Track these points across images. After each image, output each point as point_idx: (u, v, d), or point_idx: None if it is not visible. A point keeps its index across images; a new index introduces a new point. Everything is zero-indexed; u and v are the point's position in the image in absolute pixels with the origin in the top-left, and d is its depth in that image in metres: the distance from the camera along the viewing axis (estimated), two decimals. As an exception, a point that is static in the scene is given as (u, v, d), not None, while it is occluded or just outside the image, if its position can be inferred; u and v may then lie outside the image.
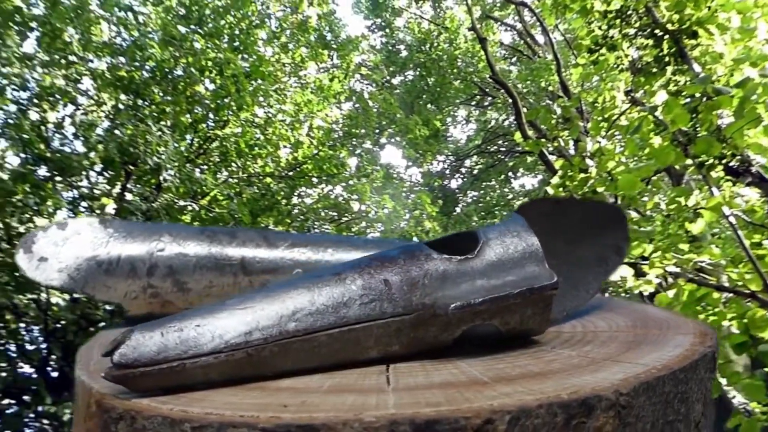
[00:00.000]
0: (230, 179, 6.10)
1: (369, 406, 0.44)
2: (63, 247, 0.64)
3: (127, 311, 0.67)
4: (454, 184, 12.47)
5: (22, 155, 4.76)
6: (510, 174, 11.90)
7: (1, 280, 4.35)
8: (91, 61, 5.48)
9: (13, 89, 5.04)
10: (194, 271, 0.70)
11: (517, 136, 6.46)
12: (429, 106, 10.84)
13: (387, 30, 11.70)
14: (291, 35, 7.62)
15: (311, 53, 7.60)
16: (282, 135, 6.47)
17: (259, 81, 6.12)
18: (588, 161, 3.46)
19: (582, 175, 3.41)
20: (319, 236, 0.85)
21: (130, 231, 0.68)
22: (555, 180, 3.66)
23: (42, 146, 4.85)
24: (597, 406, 0.46)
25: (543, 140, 4.71)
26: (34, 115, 5.03)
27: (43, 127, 4.97)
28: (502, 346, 0.63)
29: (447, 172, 12.44)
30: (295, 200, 6.69)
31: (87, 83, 5.48)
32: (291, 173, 6.59)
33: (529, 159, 10.40)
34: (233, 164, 6.25)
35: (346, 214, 6.99)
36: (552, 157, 6.49)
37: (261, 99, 6.38)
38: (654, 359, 0.56)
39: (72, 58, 5.33)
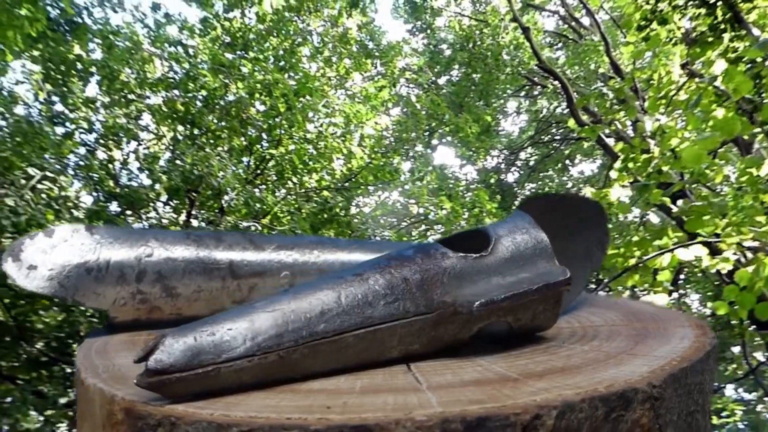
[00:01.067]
0: (289, 196, 6.23)
1: (413, 405, 0.44)
2: (51, 255, 0.62)
3: (114, 318, 0.66)
4: (510, 177, 12.29)
5: (94, 194, 5.01)
6: (567, 162, 11.62)
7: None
8: (148, 98, 5.72)
9: (81, 132, 5.32)
10: (183, 276, 0.69)
11: (571, 122, 6.31)
12: (477, 102, 10.74)
13: (428, 31, 11.68)
14: (333, 48, 7.73)
15: (355, 64, 7.68)
16: (334, 147, 6.56)
17: (308, 97, 6.23)
18: (649, 141, 3.35)
19: (644, 156, 3.30)
20: (303, 238, 0.83)
21: (116, 237, 0.67)
22: (617, 164, 3.55)
23: (111, 183, 5.09)
24: (634, 398, 0.47)
25: (599, 125, 4.58)
26: (101, 155, 5.29)
27: (110, 165, 5.22)
28: (512, 343, 0.64)
29: (502, 166, 12.27)
30: (353, 210, 6.76)
31: (146, 119, 5.72)
32: (347, 184, 6.66)
33: (586, 145, 10.13)
34: (290, 181, 6.38)
35: (405, 219, 7.01)
36: (610, 141, 6.31)
37: (311, 115, 6.49)
38: (669, 352, 0.58)
39: (131, 96, 5.59)
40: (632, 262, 3.14)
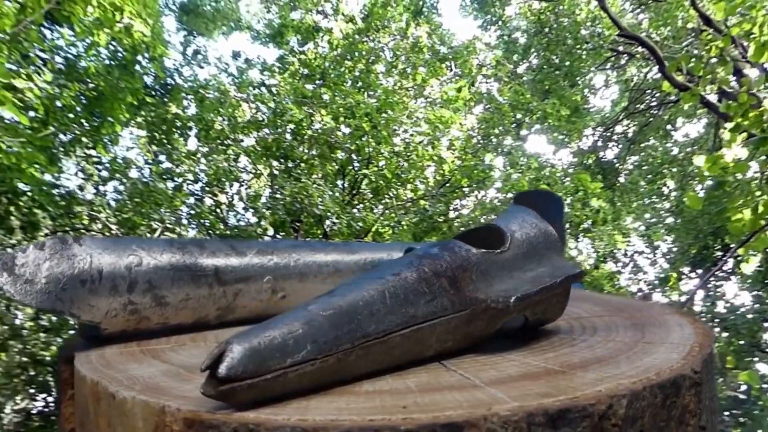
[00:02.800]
0: (387, 211, 6.32)
1: (486, 401, 0.44)
2: (45, 268, 0.61)
3: (104, 330, 0.64)
4: (609, 154, 11.75)
5: (207, 237, 5.34)
6: (668, 127, 10.95)
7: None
8: (242, 140, 6.04)
9: (188, 184, 5.70)
10: (172, 284, 0.68)
11: (666, 86, 5.96)
12: (563, 84, 10.40)
13: (499, 23, 11.49)
14: (407, 60, 7.79)
15: (430, 70, 7.70)
16: (424, 156, 6.59)
17: (390, 112, 6.32)
18: (758, 94, 3.10)
19: (755, 111, 3.06)
20: (280, 242, 0.82)
21: (105, 247, 0.65)
22: (729, 125, 3.30)
23: (222, 226, 5.41)
24: (683, 384, 0.49)
25: (698, 87, 4.29)
26: (209, 201, 5.64)
27: (218, 209, 5.55)
28: (525, 338, 0.65)
29: (599, 144, 11.77)
30: (452, 215, 6.75)
31: (243, 160, 6.03)
32: (441, 189, 6.66)
33: (686, 106, 9.51)
34: (386, 196, 6.47)
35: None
36: (713, 97, 5.89)
37: (396, 128, 6.57)
38: (682, 339, 0.61)
39: (227, 142, 5.93)
40: (762, 223, 2.91)
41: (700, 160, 3.53)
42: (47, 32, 5.57)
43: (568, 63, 10.04)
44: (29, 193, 4.49)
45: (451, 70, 8.67)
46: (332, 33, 7.71)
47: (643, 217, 10.05)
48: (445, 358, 0.59)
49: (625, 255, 8.99)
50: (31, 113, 4.36)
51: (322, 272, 0.82)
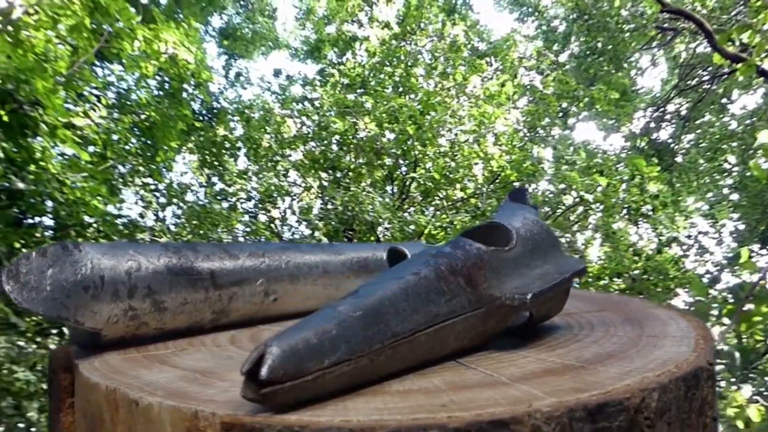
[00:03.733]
0: (438, 212, 6.31)
1: (521, 397, 0.44)
2: (49, 275, 0.60)
3: (105, 336, 0.63)
4: (663, 135, 11.37)
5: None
6: (724, 101, 10.52)
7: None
8: (290, 155, 6.15)
9: (242, 202, 5.85)
10: (170, 289, 0.67)
11: (717, 58, 5.74)
12: (607, 68, 10.15)
13: (536, 14, 11.33)
14: (446, 60, 7.78)
15: (470, 68, 7.66)
16: (471, 154, 6.55)
17: (433, 113, 6.32)
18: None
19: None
20: (270, 244, 0.80)
21: (103, 252, 0.64)
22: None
23: (277, 240, 5.51)
24: (701, 376, 0.51)
25: (752, 57, 4.11)
26: (262, 218, 5.77)
27: (272, 225, 5.66)
28: (526, 335, 0.65)
29: (651, 125, 11.41)
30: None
31: (293, 175, 6.14)
32: (492, 186, 6.60)
33: (741, 78, 9.11)
34: (436, 198, 6.46)
35: (560, 206, 6.77)
36: (769, 65, 5.62)
37: (440, 129, 6.55)
38: (682, 332, 0.62)
39: (275, 158, 6.05)
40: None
41: (765, 136, 3.38)
42: (99, 70, 5.84)
43: (611, 47, 9.79)
44: (95, 225, 4.70)
45: (491, 65, 8.60)
46: (369, 41, 7.78)
47: (705, 197, 9.68)
48: (459, 356, 0.59)
49: (689, 237, 8.67)
50: (91, 148, 4.57)
51: (312, 274, 0.82)
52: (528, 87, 8.89)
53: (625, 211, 6.37)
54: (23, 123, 3.13)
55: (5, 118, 2.99)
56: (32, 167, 3.32)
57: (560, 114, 8.94)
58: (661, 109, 11.22)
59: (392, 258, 0.90)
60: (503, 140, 7.02)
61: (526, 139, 7.38)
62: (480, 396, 0.46)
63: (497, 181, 6.68)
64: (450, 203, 6.43)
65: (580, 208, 6.70)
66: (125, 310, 0.63)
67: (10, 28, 3.12)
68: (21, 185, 3.10)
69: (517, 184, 6.72)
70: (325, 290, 0.83)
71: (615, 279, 6.30)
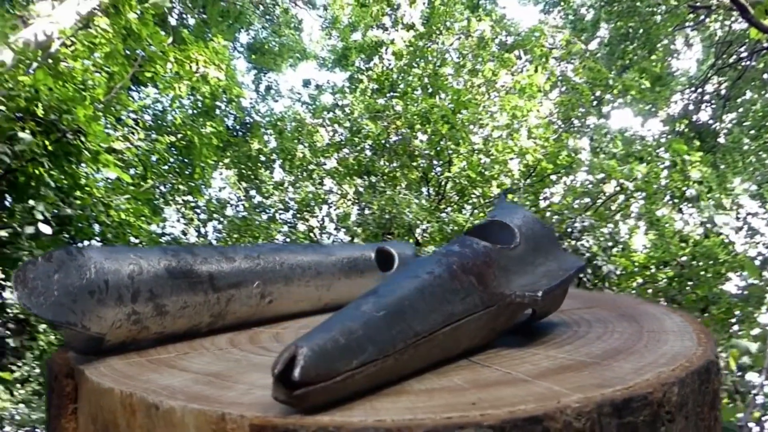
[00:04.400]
0: (475, 210, 6.27)
1: (548, 395, 0.44)
2: (56, 279, 0.59)
3: (108, 341, 0.62)
4: (703, 116, 11.05)
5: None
6: (765, 76, 10.16)
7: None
8: (324, 164, 6.20)
9: (280, 213, 5.92)
10: (171, 292, 0.66)
11: (754, 33, 5.55)
12: (640, 53, 9.93)
13: (561, 3, 11.17)
14: (474, 57, 7.73)
15: (498, 63, 7.60)
16: (505, 149, 6.49)
17: (464, 111, 6.29)
18: None
19: None
20: (263, 246, 0.78)
21: (106, 256, 0.63)
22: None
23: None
24: (712, 370, 0.53)
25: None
26: (301, 227, 5.82)
27: (311, 233, 5.71)
28: (527, 333, 0.66)
29: (690, 107, 11.10)
30: (543, 204, 6.58)
31: (328, 183, 6.19)
32: (528, 180, 6.53)
33: (783, 50, 8.78)
34: (472, 195, 6.42)
35: (600, 196, 6.64)
36: (811, 35, 5.40)
37: (472, 126, 6.52)
38: (678, 327, 0.63)
39: (310, 167, 6.11)
40: None
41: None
42: (134, 94, 6.00)
43: (642, 31, 9.57)
44: (141, 245, 4.83)
45: (520, 58, 8.51)
46: (395, 44, 7.79)
47: (752, 177, 9.36)
48: (469, 354, 0.59)
49: (738, 219, 8.39)
50: (132, 170, 4.70)
51: (305, 275, 0.81)
52: (559, 77, 8.76)
53: (668, 197, 6.22)
54: (67, 151, 3.24)
55: (51, 148, 3.10)
56: (78, 193, 3.43)
57: (594, 102, 8.79)
58: (699, 90, 10.92)
59: (380, 258, 0.92)
60: (537, 133, 6.94)
61: (561, 130, 7.28)
62: (504, 394, 0.46)
63: (533, 174, 6.60)
64: (487, 200, 6.38)
65: (621, 197, 6.56)
66: (128, 315, 0.63)
67: (50, 60, 3.24)
68: (69, 211, 3.20)
69: (554, 176, 6.63)
70: (317, 291, 0.83)
71: (662, 267, 6.14)
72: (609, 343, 0.61)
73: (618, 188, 6.62)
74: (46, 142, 3.02)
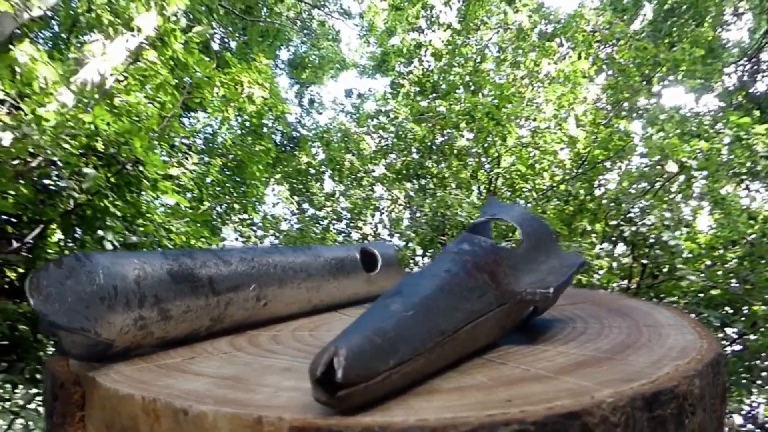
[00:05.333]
0: (528, 204, 6.18)
1: (579, 390, 0.45)
2: (68, 286, 0.59)
3: (115, 347, 0.61)
4: (761, 86, 10.56)
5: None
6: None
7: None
8: (372, 171, 6.24)
9: (333, 223, 5.99)
10: (175, 297, 0.65)
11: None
12: (687, 28, 9.57)
13: (600, -16, 10.89)
14: (514, 50, 7.64)
15: (540, 53, 7.48)
16: (554, 140, 6.38)
17: (509, 105, 6.21)
18: None
19: None
20: (256, 248, 0.77)
21: (112, 261, 0.62)
22: None
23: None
24: (722, 362, 0.54)
25: None
26: (355, 235, 5.88)
27: (365, 241, 5.75)
28: (526, 331, 0.66)
29: (745, 79, 10.62)
30: (599, 192, 6.43)
31: (378, 189, 6.22)
32: (580, 169, 6.39)
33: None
34: (523, 189, 6.34)
35: (658, 179, 6.43)
36: None
37: (518, 120, 6.43)
38: (672, 321, 0.64)
39: (359, 175, 6.16)
40: None
41: None
42: (185, 120, 6.20)
43: (685, 7, 9.24)
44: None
45: (562, 45, 8.35)
46: (433, 45, 7.78)
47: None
48: (482, 353, 0.60)
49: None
50: (188, 194, 4.86)
51: (297, 277, 0.81)
52: (605, 61, 8.54)
53: (732, 173, 5.97)
54: (128, 181, 3.38)
55: (113, 180, 3.25)
56: (141, 220, 3.57)
57: (643, 83, 8.52)
58: (754, 60, 10.44)
59: (364, 259, 0.92)
60: (586, 120, 6.79)
61: (611, 114, 7.09)
62: (534, 390, 0.46)
63: (585, 162, 6.45)
64: (540, 193, 6.28)
65: (681, 178, 6.33)
66: (135, 320, 0.62)
67: (106, 97, 3.39)
68: (135, 238, 3.34)
69: (607, 162, 6.47)
70: (308, 293, 0.83)
71: (730, 247, 5.89)
72: (612, 338, 0.61)
73: (677, 168, 6.39)
74: (108, 175, 3.16)
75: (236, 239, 6.10)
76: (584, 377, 0.48)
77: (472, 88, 6.81)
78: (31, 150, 2.70)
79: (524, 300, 0.61)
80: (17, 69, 2.86)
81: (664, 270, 4.93)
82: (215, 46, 6.73)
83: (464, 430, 0.39)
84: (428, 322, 0.51)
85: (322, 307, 0.86)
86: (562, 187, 6.16)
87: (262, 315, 0.77)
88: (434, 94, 6.83)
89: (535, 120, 6.54)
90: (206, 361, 0.61)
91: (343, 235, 5.94)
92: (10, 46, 3.20)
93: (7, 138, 2.61)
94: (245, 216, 6.09)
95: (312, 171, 6.68)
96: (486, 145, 5.99)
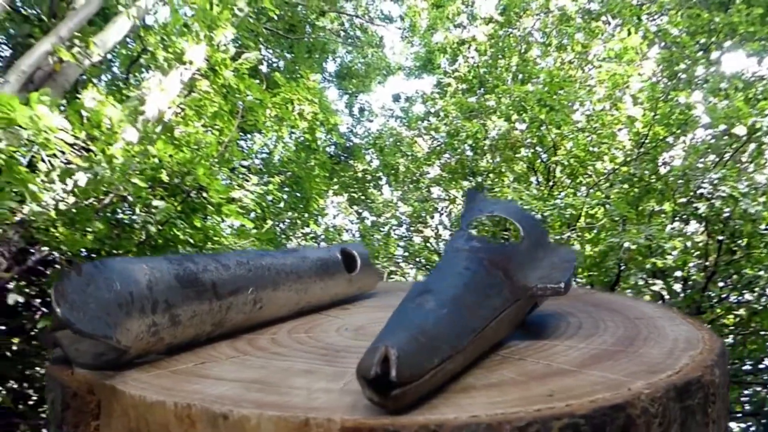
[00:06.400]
0: (590, 190, 6.03)
1: (611, 383, 0.46)
2: (89, 293, 0.57)
3: (130, 355, 0.60)
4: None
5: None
6: None
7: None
8: (428, 173, 6.24)
9: (394, 229, 6.03)
10: (183, 302, 0.65)
11: None
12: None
13: (645, -45, 10.51)
14: (559, 33, 7.48)
15: (586, 33, 7.29)
16: (611, 121, 6.20)
17: (560, 91, 6.09)
18: None
19: None
20: (249, 252, 0.75)
21: (124, 267, 0.62)
22: None
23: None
24: (726, 353, 0.55)
25: None
26: (417, 239, 5.89)
27: (427, 243, 5.76)
28: (526, 326, 0.66)
29: (814, 33, 9.98)
30: (662, 170, 6.20)
31: (435, 191, 6.22)
32: (642, 148, 6.18)
33: None
34: (584, 175, 6.19)
35: (727, 149, 6.14)
36: None
37: (572, 104, 6.29)
38: (662, 314, 0.66)
39: (415, 178, 6.18)
40: None
41: None
42: (242, 143, 6.40)
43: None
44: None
45: (609, 23, 8.11)
46: (476, 40, 7.72)
47: None
48: (495, 350, 0.60)
49: None
50: (252, 214, 5.01)
51: (289, 279, 0.80)
52: (656, 33, 8.23)
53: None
54: (193, 208, 3.52)
55: (179, 208, 3.40)
56: (209, 244, 3.71)
57: (699, 52, 8.16)
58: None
59: (344, 258, 0.93)
60: (643, 97, 6.56)
61: (668, 88, 6.83)
62: (567, 384, 0.47)
63: (647, 141, 6.24)
64: (601, 177, 6.12)
65: (751, 146, 6.03)
66: (149, 326, 0.61)
67: (166, 131, 3.56)
68: (205, 263, 3.48)
69: (670, 138, 6.24)
70: (297, 295, 0.83)
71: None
72: (612, 331, 0.62)
73: (746, 136, 6.08)
74: (175, 204, 3.31)
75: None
76: (609, 370, 0.49)
77: (521, 78, 6.71)
78: (103, 187, 2.87)
79: (535, 295, 0.61)
80: (84, 113, 3.04)
81: (742, 244, 4.71)
82: (263, 68, 6.92)
83: (518, 426, 0.39)
84: (462, 319, 0.52)
85: (307, 308, 0.86)
86: (625, 169, 5.98)
87: (258, 318, 0.77)
88: (482, 89, 6.77)
89: (590, 102, 6.38)
90: (218, 365, 0.60)
91: (405, 239, 5.97)
92: (77, 94, 3.41)
93: (83, 179, 2.78)
94: (308, 230, 6.22)
95: (369, 178, 6.75)
96: (540, 134, 5.89)
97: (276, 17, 5.92)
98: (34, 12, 3.95)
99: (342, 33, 9.45)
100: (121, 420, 0.51)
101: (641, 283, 4.95)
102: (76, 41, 3.62)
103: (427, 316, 0.50)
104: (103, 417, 0.54)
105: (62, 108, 3.08)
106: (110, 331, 0.56)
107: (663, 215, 5.67)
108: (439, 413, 0.42)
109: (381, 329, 0.50)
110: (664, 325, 0.62)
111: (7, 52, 4.38)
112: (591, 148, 6.13)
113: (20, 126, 2.34)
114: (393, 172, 6.45)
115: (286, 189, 5.95)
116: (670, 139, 6.21)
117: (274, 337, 0.73)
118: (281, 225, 5.83)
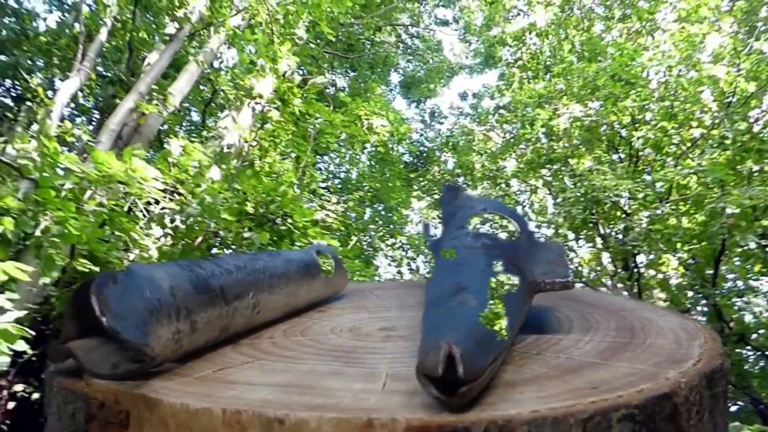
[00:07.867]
0: (678, 160, 5.73)
1: (645, 374, 0.47)
2: (126, 300, 0.56)
3: (155, 362, 0.58)
4: None
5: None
6: None
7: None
8: (504, 168, 6.16)
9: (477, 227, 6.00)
10: (199, 308, 0.64)
11: None
12: None
13: None
14: (621, 3, 7.20)
15: (651, 2, 6.97)
16: (691, 84, 5.86)
17: (633, 62, 5.84)
18: None
19: None
20: (245, 256, 0.72)
21: (150, 273, 0.61)
22: None
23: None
24: (727, 342, 0.58)
25: None
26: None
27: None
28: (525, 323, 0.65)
29: None
30: (757, 127, 5.80)
31: (514, 183, 6.12)
32: (730, 109, 5.81)
33: None
34: (671, 145, 5.89)
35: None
36: None
37: (647, 74, 6.02)
38: (653, 309, 0.67)
39: (491, 174, 6.12)
40: None
41: None
42: (320, 165, 6.58)
43: None
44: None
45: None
46: (536, 26, 7.56)
47: None
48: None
49: None
50: (337, 233, 5.14)
51: (281, 283, 0.80)
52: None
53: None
54: (280, 235, 3.67)
55: (268, 235, 3.54)
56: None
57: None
58: None
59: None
60: (724, 53, 6.17)
61: (751, 41, 6.39)
62: (602, 377, 0.48)
63: (734, 99, 5.86)
64: (689, 144, 5.81)
65: None
66: (174, 333, 0.60)
67: (246, 165, 3.74)
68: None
69: (759, 93, 5.83)
70: (286, 299, 0.82)
71: None
72: (606, 324, 0.63)
73: None
74: (265, 233, 3.46)
75: (389, 264, 6.32)
76: (633, 361, 0.51)
77: (587, 56, 6.50)
78: (196, 226, 3.05)
79: (544, 290, 0.63)
80: (171, 159, 3.25)
81: None
82: (330, 90, 7.10)
83: (581, 418, 0.40)
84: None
85: (293, 311, 0.86)
86: (714, 132, 5.65)
87: (255, 322, 0.77)
88: (548, 75, 6.62)
89: (664, 69, 6.08)
90: (238, 371, 0.59)
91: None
92: (162, 143, 3.65)
93: (177, 221, 2.97)
94: (393, 240, 6.30)
95: (447, 178, 6.75)
96: (615, 109, 5.68)
97: (334, 39, 6.06)
98: (113, 73, 4.26)
99: (401, 44, 9.53)
100: (156, 429, 0.50)
101: (753, 246, 4.63)
102: (155, 94, 3.88)
103: (472, 314, 0.51)
104: (132, 427, 0.52)
105: (150, 158, 3.30)
106: (146, 339, 0.55)
107: (765, 174, 5.30)
108: (499, 409, 0.42)
109: (425, 328, 0.51)
110: (651, 317, 0.62)
111: (96, 114, 4.75)
112: (674, 116, 5.83)
113: (120, 181, 2.53)
114: (469, 170, 6.42)
115: (366, 204, 6.06)
116: (760, 94, 5.80)
117: (273, 340, 0.73)
118: (367, 238, 5.94)
